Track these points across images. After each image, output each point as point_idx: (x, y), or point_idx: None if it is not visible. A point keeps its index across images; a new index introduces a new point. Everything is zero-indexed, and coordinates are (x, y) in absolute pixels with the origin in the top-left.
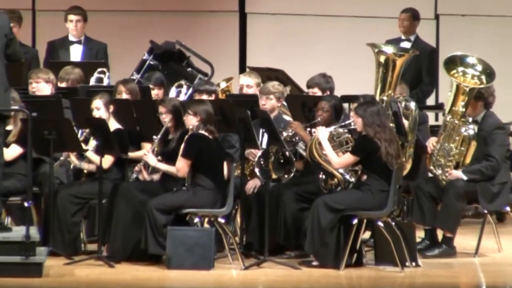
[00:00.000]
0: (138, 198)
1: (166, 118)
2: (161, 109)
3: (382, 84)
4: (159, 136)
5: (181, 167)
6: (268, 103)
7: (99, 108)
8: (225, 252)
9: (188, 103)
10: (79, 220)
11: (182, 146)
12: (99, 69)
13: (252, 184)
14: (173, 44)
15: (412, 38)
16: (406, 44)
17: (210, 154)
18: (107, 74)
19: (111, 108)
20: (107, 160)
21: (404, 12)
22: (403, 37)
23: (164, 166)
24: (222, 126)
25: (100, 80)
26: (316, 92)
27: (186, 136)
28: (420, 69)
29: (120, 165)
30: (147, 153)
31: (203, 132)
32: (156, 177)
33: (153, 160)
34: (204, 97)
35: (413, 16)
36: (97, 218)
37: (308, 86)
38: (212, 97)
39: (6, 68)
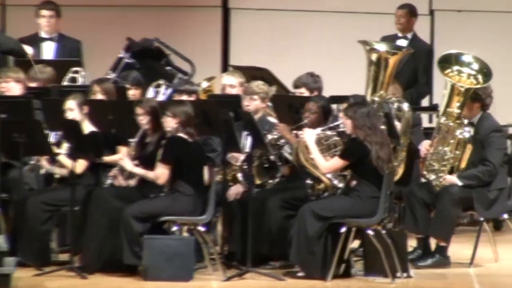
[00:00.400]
0: (113, 205)
1: (143, 120)
2: (138, 110)
3: (374, 84)
4: (136, 139)
5: (161, 173)
6: (252, 104)
7: (72, 109)
8: (205, 262)
9: (167, 104)
10: (50, 228)
11: (161, 150)
12: (73, 68)
13: (235, 190)
14: (151, 42)
15: (410, 36)
16: (403, 42)
17: (190, 158)
18: (81, 73)
19: (85, 109)
20: (81, 165)
21: (401, 8)
22: (399, 35)
23: (141, 171)
24: (203, 129)
25: (73, 79)
26: (304, 92)
27: (165, 140)
28: (416, 69)
29: (94, 170)
30: (123, 157)
31: (182, 135)
32: (132, 182)
33: (129, 165)
34: (184, 97)
35: (410, 12)
36: (69, 227)
37: (295, 86)
38: (193, 98)
39: None
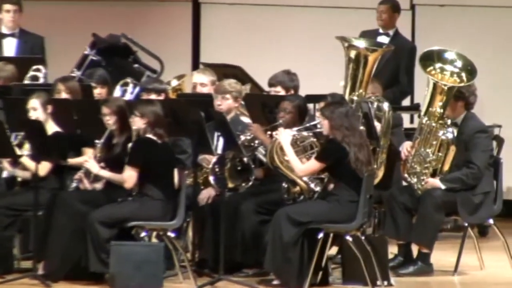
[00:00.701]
0: (79, 210)
1: (110, 120)
2: (105, 110)
3: (352, 82)
4: (102, 141)
5: (129, 176)
6: (224, 104)
7: (35, 109)
8: (175, 270)
9: (135, 103)
10: (12, 234)
11: (128, 152)
12: (34, 67)
13: (206, 194)
14: (118, 38)
15: (391, 32)
16: (384, 39)
17: (159, 160)
18: (43, 71)
19: (49, 109)
20: (44, 167)
21: (383, 4)
22: (381, 31)
23: (107, 174)
24: (172, 129)
25: (35, 78)
26: (279, 91)
27: (132, 141)
28: (398, 68)
29: (59, 172)
30: (88, 159)
31: (150, 136)
32: (98, 186)
33: (95, 167)
34: (153, 96)
35: (392, 7)
36: (32, 232)
37: (270, 85)
38: (162, 97)
39: None
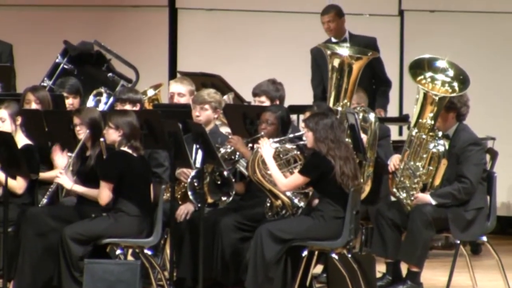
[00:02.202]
0: (50, 226)
1: (80, 131)
2: (76, 120)
3: (336, 92)
4: (74, 154)
5: (104, 194)
6: (202, 114)
7: (3, 120)
8: None
9: (109, 114)
10: None
11: (102, 167)
12: None
13: (184, 210)
14: (91, 45)
15: (347, 36)
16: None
17: (135, 175)
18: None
19: (19, 120)
20: (20, 185)
21: (327, 13)
22: (334, 40)
23: (81, 189)
24: (148, 142)
25: None
26: (264, 101)
27: (105, 155)
28: (373, 67)
29: (30, 187)
30: (60, 174)
31: (125, 149)
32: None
33: (68, 183)
34: (128, 107)
35: (338, 14)
36: (1, 250)
37: (255, 94)
38: (137, 108)
39: None
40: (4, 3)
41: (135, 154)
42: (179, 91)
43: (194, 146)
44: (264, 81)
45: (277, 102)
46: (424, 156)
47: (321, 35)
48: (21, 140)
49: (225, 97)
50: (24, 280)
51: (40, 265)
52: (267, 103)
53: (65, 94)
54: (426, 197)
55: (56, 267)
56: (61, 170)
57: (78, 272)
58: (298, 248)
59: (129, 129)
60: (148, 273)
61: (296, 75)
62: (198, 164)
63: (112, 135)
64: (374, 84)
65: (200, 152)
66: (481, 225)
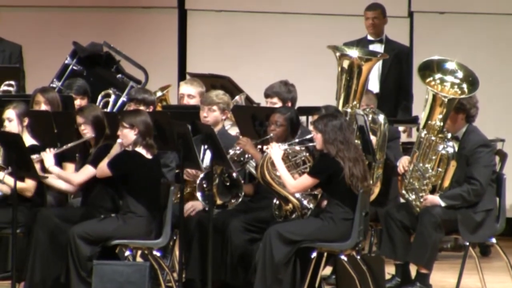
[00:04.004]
0: (60, 227)
1: (85, 130)
2: (79, 119)
3: (346, 94)
4: (73, 144)
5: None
6: (210, 115)
7: (11, 120)
8: None
9: (121, 115)
10: None
11: (109, 155)
12: (7, 82)
13: (191, 207)
14: (100, 46)
15: (383, 38)
16: (377, 47)
17: (144, 176)
18: (15, 87)
19: (26, 121)
20: (30, 187)
21: (373, 10)
22: (371, 38)
23: (57, 170)
24: (158, 143)
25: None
26: (276, 102)
27: (119, 151)
28: (401, 73)
29: (38, 188)
30: (49, 151)
31: (140, 149)
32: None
33: (50, 160)
34: (141, 108)
35: (383, 12)
36: (10, 251)
37: (267, 96)
38: (150, 109)
39: None
40: (14, 4)
41: (149, 154)
42: (189, 93)
43: (202, 148)
44: (276, 82)
45: (289, 104)
46: (433, 158)
47: (331, 37)
48: (28, 141)
49: (237, 97)
50: (34, 282)
51: (50, 266)
52: (279, 104)
53: (73, 95)
54: (436, 199)
55: (64, 266)
56: (52, 149)
57: (85, 272)
58: (307, 249)
59: (144, 127)
60: (157, 274)
61: (306, 76)
62: (205, 165)
63: (128, 134)
64: (398, 92)
65: (208, 153)
66: (490, 227)
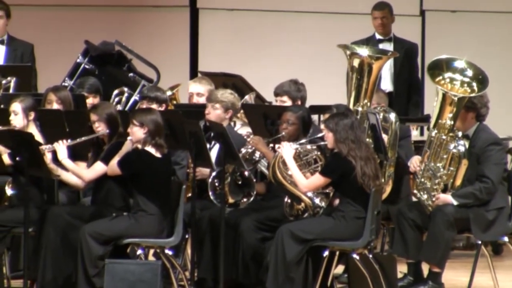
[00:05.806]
0: (71, 225)
1: (99, 127)
2: (93, 117)
3: (356, 92)
4: (86, 138)
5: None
6: (212, 113)
7: (16, 113)
8: None
9: (132, 112)
10: (1, 252)
11: (120, 153)
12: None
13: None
14: (112, 45)
15: (392, 36)
16: (386, 45)
17: (155, 175)
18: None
19: (32, 115)
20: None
21: (381, 9)
22: (379, 37)
23: (71, 165)
24: (170, 142)
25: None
26: (286, 101)
27: (129, 149)
28: (413, 69)
29: (49, 187)
30: (61, 142)
31: (149, 147)
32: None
33: (63, 153)
34: (154, 106)
35: (390, 11)
36: (22, 250)
37: (276, 94)
38: (162, 108)
39: None
40: (26, 3)
41: (158, 153)
42: (198, 91)
43: (208, 146)
44: (286, 81)
45: (299, 102)
46: (445, 156)
47: (342, 35)
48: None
49: (247, 97)
50: (45, 280)
51: (61, 264)
52: (288, 103)
53: (85, 94)
54: (448, 198)
55: (75, 265)
56: (65, 141)
57: (94, 270)
58: (319, 248)
59: (154, 126)
60: (169, 273)
61: (317, 75)
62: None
63: (137, 132)
64: (409, 89)
65: (213, 152)
66: (503, 225)
